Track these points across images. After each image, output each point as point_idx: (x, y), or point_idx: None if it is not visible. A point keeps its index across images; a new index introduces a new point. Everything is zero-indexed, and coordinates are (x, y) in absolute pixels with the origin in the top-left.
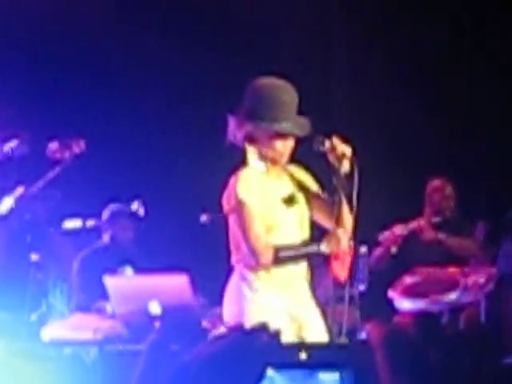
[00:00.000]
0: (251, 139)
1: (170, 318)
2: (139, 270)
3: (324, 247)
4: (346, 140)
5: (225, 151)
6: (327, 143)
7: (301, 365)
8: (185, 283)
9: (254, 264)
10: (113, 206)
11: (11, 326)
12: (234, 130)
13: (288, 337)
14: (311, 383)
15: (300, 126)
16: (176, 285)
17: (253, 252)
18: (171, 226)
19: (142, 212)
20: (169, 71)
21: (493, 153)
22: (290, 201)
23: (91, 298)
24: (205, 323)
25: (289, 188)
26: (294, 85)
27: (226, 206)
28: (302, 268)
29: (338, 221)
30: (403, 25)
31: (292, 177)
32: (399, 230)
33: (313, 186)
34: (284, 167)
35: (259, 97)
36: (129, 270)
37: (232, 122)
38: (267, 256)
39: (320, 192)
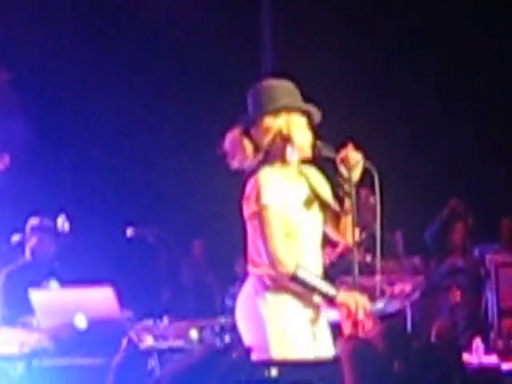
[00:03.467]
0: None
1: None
2: (64, 283)
3: (338, 296)
4: (358, 148)
5: (156, 162)
6: (341, 152)
7: (271, 382)
8: (110, 296)
9: (273, 273)
10: (33, 221)
11: None
12: (233, 142)
13: (306, 352)
14: None
15: (293, 101)
16: (101, 297)
17: (273, 260)
18: (97, 240)
19: (66, 227)
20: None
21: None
22: (309, 204)
23: (17, 312)
24: (132, 335)
25: (306, 191)
26: None
27: (247, 211)
28: (316, 256)
29: (344, 234)
30: None
31: (307, 180)
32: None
33: (325, 193)
34: (299, 169)
35: (250, 97)
36: (54, 284)
37: (231, 135)
38: (288, 266)
39: (331, 201)
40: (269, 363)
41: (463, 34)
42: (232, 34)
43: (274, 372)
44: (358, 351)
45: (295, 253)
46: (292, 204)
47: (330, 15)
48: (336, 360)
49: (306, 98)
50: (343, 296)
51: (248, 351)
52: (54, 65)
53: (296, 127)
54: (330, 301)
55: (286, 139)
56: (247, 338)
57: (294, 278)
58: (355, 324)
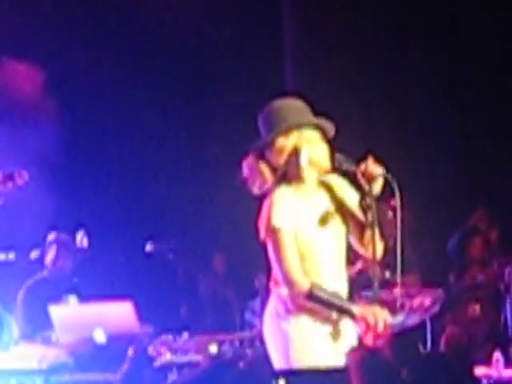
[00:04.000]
0: (270, 167)
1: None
2: (83, 298)
3: (356, 311)
4: (378, 160)
5: (177, 178)
6: (361, 165)
7: None
8: (129, 311)
9: (289, 293)
10: (52, 236)
11: None
12: (251, 168)
13: (331, 360)
14: None
15: (302, 118)
16: (121, 312)
17: (288, 281)
18: (116, 255)
19: (85, 242)
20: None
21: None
22: (327, 219)
23: (36, 327)
24: (150, 350)
25: (325, 205)
26: None
27: (261, 232)
28: (344, 286)
29: (367, 246)
30: None
31: (329, 192)
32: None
33: (350, 202)
34: (319, 182)
35: (260, 121)
36: (73, 299)
37: (246, 162)
38: (302, 286)
39: (356, 211)
40: (277, 374)
41: (479, 42)
42: (254, 47)
43: (281, 383)
44: (366, 360)
45: (313, 271)
46: (307, 223)
47: (351, 28)
48: (345, 369)
49: (322, 113)
50: (362, 310)
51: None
52: (73, 80)
53: (309, 142)
54: (350, 316)
55: (299, 155)
56: (273, 355)
57: (310, 297)
58: (376, 337)
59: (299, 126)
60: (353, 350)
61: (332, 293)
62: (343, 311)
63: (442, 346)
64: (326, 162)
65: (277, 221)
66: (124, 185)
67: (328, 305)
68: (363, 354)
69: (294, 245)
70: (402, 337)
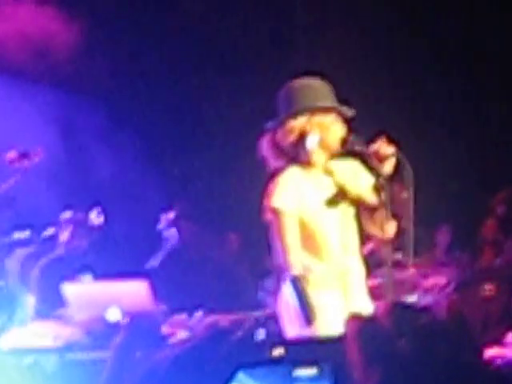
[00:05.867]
0: (280, 148)
1: (131, 324)
2: (98, 276)
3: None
4: (391, 141)
5: (195, 158)
6: (372, 146)
7: (275, 362)
8: (145, 289)
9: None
10: (67, 214)
11: None
12: (266, 147)
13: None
14: (286, 380)
15: (314, 101)
16: (136, 291)
17: (284, 262)
18: (131, 233)
19: (101, 220)
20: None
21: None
22: (332, 202)
23: (50, 305)
24: (164, 329)
25: (331, 188)
26: None
27: (265, 214)
28: (353, 264)
29: (379, 227)
30: None
31: (336, 177)
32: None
33: (358, 186)
34: (326, 166)
35: (287, 96)
36: (88, 277)
37: (263, 141)
38: (296, 269)
39: (363, 194)
40: (273, 343)
41: (493, 26)
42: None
43: (277, 352)
44: (364, 329)
45: (319, 250)
46: (313, 204)
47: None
48: (344, 337)
49: (338, 95)
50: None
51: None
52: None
53: (320, 125)
54: (306, 320)
55: (306, 139)
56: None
57: (292, 282)
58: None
59: (309, 110)
60: (351, 319)
61: (306, 294)
62: (303, 312)
63: (443, 316)
64: (335, 146)
65: (277, 202)
66: (141, 163)
67: (298, 299)
68: (361, 323)
69: (294, 226)
70: (400, 306)
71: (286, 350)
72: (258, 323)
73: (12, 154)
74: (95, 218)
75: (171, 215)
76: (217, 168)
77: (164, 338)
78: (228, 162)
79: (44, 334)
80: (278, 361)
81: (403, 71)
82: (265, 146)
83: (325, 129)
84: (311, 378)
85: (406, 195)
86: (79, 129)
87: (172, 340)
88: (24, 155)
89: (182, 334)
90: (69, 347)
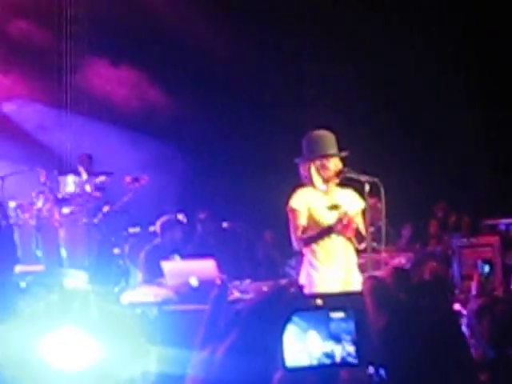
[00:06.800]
0: (312, 168)
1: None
2: (184, 256)
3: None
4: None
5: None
6: (360, 175)
7: (317, 308)
8: (213, 265)
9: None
10: (165, 217)
11: (103, 295)
12: (302, 170)
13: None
14: (325, 321)
15: (336, 151)
16: (207, 266)
17: (295, 246)
18: (205, 229)
19: (185, 220)
20: None
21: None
22: (331, 208)
23: (152, 275)
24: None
25: (329, 201)
26: None
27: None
28: (341, 244)
29: (358, 243)
30: None
31: (333, 196)
32: None
33: (345, 203)
34: (333, 188)
35: (307, 143)
36: (177, 257)
37: (300, 166)
38: (300, 249)
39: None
40: (316, 295)
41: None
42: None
43: (319, 302)
44: (375, 286)
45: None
46: (317, 207)
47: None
48: (361, 293)
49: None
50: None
51: (301, 287)
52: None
53: (323, 166)
54: (330, 229)
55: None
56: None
57: (304, 244)
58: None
59: (320, 156)
60: (367, 279)
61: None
62: (325, 231)
63: (426, 276)
64: (335, 177)
65: (293, 204)
66: (211, 182)
67: (317, 236)
68: (374, 282)
69: (303, 222)
70: (398, 269)
71: (324, 301)
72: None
73: (128, 179)
74: (182, 218)
75: (226, 223)
76: (260, 187)
77: (225, 296)
78: (268, 183)
79: (148, 293)
80: (319, 307)
81: (377, 125)
82: (301, 170)
83: (332, 166)
84: (341, 319)
85: (380, 205)
86: (166, 163)
87: (231, 298)
88: (135, 179)
89: (236, 294)
90: (164, 302)
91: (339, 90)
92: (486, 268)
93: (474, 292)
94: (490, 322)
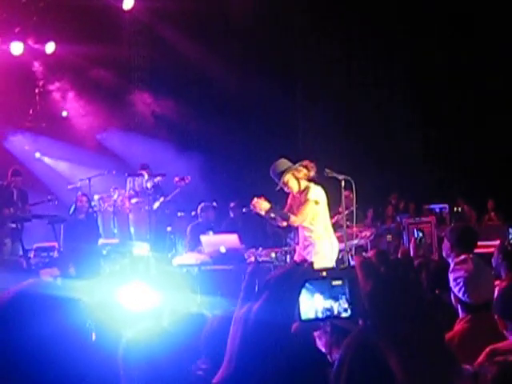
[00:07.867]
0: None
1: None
2: (216, 232)
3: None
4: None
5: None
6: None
7: (323, 278)
8: (236, 238)
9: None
10: (202, 204)
11: (160, 259)
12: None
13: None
14: (328, 286)
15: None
16: (232, 238)
17: (301, 220)
18: (231, 213)
19: (216, 206)
20: None
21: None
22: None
23: (195, 245)
24: (245, 255)
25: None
26: None
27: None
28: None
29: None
30: None
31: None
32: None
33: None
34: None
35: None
36: (211, 233)
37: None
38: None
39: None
40: (321, 269)
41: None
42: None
43: (324, 273)
44: (363, 262)
45: (326, 218)
46: (323, 199)
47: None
48: (353, 267)
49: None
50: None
51: (312, 264)
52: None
53: (291, 178)
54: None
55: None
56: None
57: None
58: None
59: (286, 170)
60: (356, 257)
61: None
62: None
63: (399, 256)
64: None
65: (310, 195)
66: (236, 178)
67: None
68: (362, 259)
69: (312, 207)
70: (380, 251)
71: (327, 273)
72: (287, 252)
73: (176, 179)
74: (214, 205)
75: (245, 209)
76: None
77: (244, 259)
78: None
79: (191, 258)
80: (324, 277)
81: (351, 143)
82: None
83: (294, 177)
84: (339, 285)
85: (352, 196)
86: (204, 168)
87: (248, 260)
88: (182, 179)
89: (252, 258)
90: (202, 264)
91: (322, 123)
92: (420, 234)
93: (412, 252)
94: (426, 275)
